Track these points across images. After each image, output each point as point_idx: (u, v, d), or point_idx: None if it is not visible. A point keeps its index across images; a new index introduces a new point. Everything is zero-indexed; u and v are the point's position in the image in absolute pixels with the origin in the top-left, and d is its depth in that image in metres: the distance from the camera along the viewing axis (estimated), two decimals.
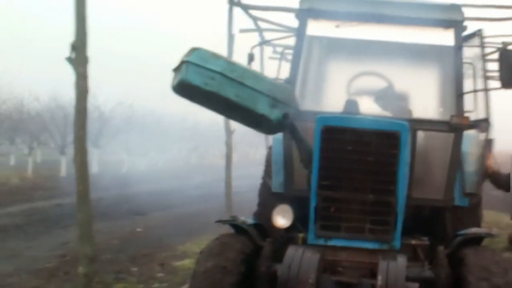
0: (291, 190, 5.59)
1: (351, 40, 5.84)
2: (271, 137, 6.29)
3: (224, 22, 10.00)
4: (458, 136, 5.38)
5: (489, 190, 7.20)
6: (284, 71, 5.74)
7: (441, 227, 5.83)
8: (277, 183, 5.97)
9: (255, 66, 6.24)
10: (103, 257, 8.89)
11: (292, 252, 4.57)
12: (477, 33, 5.83)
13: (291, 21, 6.55)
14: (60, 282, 7.82)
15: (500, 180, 5.86)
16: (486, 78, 6.07)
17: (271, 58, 11.96)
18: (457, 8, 5.64)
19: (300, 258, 4.48)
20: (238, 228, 5.10)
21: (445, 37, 5.55)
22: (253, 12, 10.47)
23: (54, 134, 26.86)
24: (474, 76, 6.05)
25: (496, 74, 7.73)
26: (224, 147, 10.68)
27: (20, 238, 11.35)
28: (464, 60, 5.59)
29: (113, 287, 7.60)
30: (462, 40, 5.55)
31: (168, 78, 4.48)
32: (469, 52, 5.91)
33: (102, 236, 10.30)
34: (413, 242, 5.15)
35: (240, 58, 5.95)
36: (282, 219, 5.05)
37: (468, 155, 5.79)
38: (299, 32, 5.70)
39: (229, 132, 10.25)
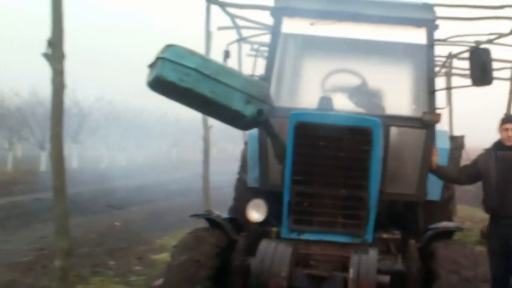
0: (266, 185, 5.65)
1: (325, 38, 5.91)
2: (248, 133, 6.37)
3: (202, 19, 10.06)
4: (430, 132, 5.50)
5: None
6: (260, 68, 5.80)
7: (414, 221, 5.95)
8: (252, 178, 6.06)
9: (233, 63, 6.28)
10: (80, 251, 8.89)
11: (265, 246, 4.63)
12: None
13: (268, 19, 6.62)
14: (37, 276, 7.81)
15: (446, 174, 5.99)
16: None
17: (248, 55, 12.07)
18: (429, 7, 5.79)
19: (273, 252, 4.54)
20: (213, 222, 5.15)
21: (418, 36, 5.67)
22: (231, 10, 10.55)
23: (34, 129, 26.62)
24: None
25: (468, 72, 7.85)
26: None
27: None
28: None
29: (89, 281, 7.62)
30: (434, 39, 5.68)
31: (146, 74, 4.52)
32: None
33: (79, 230, 10.31)
34: (385, 236, 5.23)
35: (218, 55, 6.02)
36: (256, 213, 5.13)
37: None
38: (274, 30, 5.79)
39: (206, 127, 10.26)
